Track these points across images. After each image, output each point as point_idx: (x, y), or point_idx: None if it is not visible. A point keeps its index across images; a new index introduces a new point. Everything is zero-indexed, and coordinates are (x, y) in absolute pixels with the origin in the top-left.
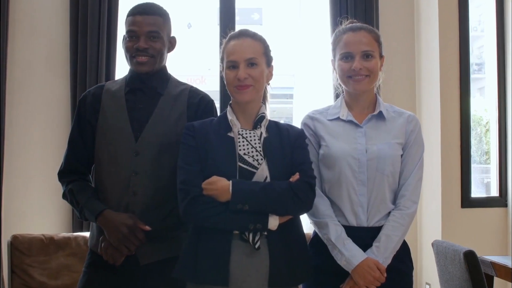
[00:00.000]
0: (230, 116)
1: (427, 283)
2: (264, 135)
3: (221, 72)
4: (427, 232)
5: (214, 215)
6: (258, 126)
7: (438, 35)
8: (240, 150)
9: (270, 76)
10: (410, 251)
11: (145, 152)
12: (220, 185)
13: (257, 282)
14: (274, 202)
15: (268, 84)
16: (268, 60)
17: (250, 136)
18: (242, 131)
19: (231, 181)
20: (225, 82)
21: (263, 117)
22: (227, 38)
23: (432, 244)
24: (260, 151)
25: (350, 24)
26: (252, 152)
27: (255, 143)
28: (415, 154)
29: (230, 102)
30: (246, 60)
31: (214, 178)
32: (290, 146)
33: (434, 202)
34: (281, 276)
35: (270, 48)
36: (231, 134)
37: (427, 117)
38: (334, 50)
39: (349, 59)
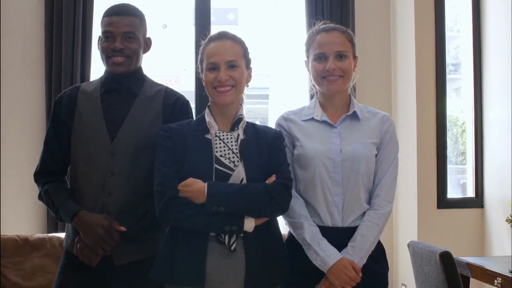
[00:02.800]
0: (208, 118)
1: (403, 284)
2: (241, 136)
3: (199, 73)
4: (403, 233)
5: (190, 217)
6: (236, 128)
7: (414, 36)
8: (216, 152)
9: (249, 78)
10: (386, 252)
11: (120, 153)
12: (195, 187)
13: (233, 284)
14: (250, 203)
15: (247, 86)
16: (247, 62)
17: (227, 138)
18: (219, 132)
19: (206, 183)
20: (204, 84)
21: (240, 119)
22: (207, 40)
23: (408, 245)
24: (237, 153)
25: (323, 25)
26: (229, 154)
27: (232, 145)
28: (390, 154)
29: (209, 103)
30: (227, 62)
31: (190, 180)
32: (267, 148)
33: (410, 202)
34: (257, 277)
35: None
36: (208, 136)
37: (403, 117)
38: (307, 51)
39: (323, 59)
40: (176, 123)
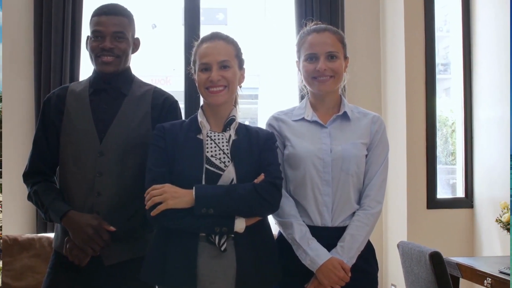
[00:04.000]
0: (201, 118)
1: (392, 285)
2: (233, 137)
3: (188, 73)
4: (393, 233)
5: (180, 217)
6: (228, 129)
7: (404, 36)
8: (207, 152)
9: (242, 79)
10: (375, 252)
11: (109, 153)
12: (183, 191)
13: (224, 284)
14: (239, 204)
15: (240, 87)
16: (240, 63)
17: (219, 139)
18: (210, 133)
19: (194, 186)
20: (197, 85)
21: (233, 120)
22: (199, 41)
23: (398, 245)
24: (228, 153)
25: (315, 26)
26: (219, 154)
27: (223, 146)
28: (380, 154)
29: (202, 104)
30: (219, 62)
31: (158, 185)
32: (258, 149)
33: (400, 203)
34: (248, 278)
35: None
36: (200, 136)
37: (393, 117)
38: (298, 51)
39: (314, 60)
40: (169, 122)
